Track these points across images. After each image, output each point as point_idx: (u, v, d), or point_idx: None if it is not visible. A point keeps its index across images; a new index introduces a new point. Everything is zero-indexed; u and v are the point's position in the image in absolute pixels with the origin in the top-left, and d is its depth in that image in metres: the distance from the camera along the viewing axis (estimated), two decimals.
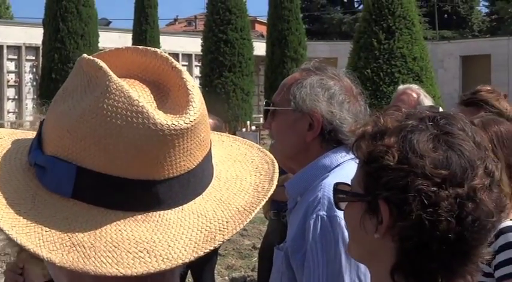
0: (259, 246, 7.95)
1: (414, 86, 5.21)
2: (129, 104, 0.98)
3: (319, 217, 2.13)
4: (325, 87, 2.34)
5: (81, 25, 24.64)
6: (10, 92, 30.59)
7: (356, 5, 58.87)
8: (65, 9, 24.35)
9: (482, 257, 1.38)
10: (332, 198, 2.09)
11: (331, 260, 2.10)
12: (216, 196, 1.08)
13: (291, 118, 2.34)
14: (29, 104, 30.90)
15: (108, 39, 27.97)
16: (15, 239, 0.95)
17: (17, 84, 30.64)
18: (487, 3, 62.92)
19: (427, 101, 4.75)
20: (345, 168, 2.19)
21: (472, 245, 1.34)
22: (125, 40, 30.31)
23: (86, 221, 0.98)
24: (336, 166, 2.27)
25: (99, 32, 25.98)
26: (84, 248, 0.95)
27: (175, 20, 64.83)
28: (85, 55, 1.06)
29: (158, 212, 1.02)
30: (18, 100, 30.78)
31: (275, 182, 1.14)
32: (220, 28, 26.96)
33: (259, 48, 29.51)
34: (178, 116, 1.01)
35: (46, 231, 0.96)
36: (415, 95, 4.80)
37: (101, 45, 25.49)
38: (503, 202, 1.36)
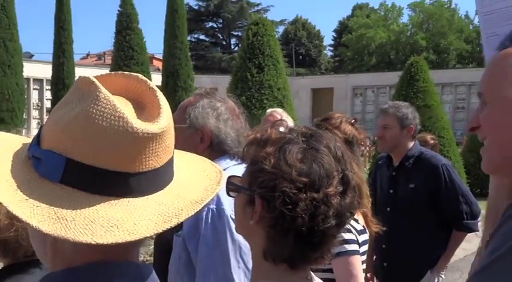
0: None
1: (279, 110, 5.42)
2: (113, 111, 1.00)
3: (210, 209, 2.12)
4: (214, 107, 2.33)
5: (8, 57, 23.60)
6: None
7: (233, 47, 59.70)
8: None
9: (332, 246, 1.40)
10: (219, 194, 2.11)
11: (219, 244, 2.09)
12: (174, 192, 1.10)
13: (187, 133, 2.30)
14: None
15: (31, 69, 26.88)
16: (11, 211, 0.97)
17: None
18: (331, 48, 65.93)
19: (288, 121, 4.89)
20: (229, 172, 2.19)
21: (322, 238, 1.34)
22: (45, 71, 29.22)
23: (70, 201, 1.00)
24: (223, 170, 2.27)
25: (24, 63, 24.93)
26: (67, 221, 0.97)
27: (88, 55, 63.08)
28: (82, 75, 1.08)
29: (128, 198, 1.03)
30: None
31: (221, 185, 1.18)
32: (125, 62, 26.49)
33: (156, 79, 29.18)
34: (150, 123, 1.04)
35: (37, 207, 0.98)
36: (279, 116, 4.99)
37: (25, 74, 24.51)
38: (354, 205, 1.37)
